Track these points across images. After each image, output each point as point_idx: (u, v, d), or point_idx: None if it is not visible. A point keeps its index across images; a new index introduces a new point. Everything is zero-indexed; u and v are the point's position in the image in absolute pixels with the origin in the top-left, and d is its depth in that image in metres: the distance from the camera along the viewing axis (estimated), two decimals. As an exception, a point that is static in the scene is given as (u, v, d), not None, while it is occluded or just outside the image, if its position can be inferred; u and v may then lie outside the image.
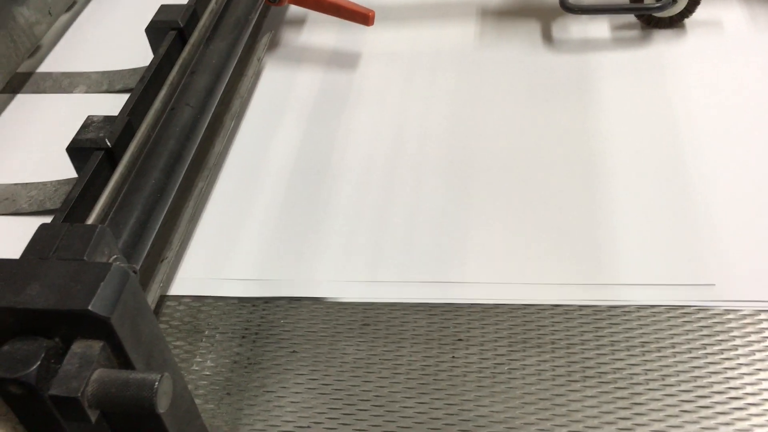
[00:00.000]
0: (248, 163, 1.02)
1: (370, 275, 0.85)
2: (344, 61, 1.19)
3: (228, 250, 0.90)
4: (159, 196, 0.71)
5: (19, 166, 1.07)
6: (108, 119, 0.90)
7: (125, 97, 1.17)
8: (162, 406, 0.52)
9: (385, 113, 1.08)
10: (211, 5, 1.08)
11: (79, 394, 0.51)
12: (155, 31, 1.06)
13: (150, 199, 0.71)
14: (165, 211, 0.71)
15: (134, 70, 1.21)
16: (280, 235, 0.91)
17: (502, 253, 0.86)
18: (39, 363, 0.52)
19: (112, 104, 1.16)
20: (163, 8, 1.07)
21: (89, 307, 0.53)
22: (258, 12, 1.01)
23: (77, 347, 0.54)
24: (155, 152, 0.76)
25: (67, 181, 1.01)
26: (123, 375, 0.53)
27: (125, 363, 0.56)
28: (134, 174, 0.76)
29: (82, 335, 0.55)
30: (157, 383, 0.52)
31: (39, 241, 0.59)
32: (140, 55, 1.19)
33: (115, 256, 0.61)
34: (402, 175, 0.98)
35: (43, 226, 0.60)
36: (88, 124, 0.90)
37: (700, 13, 1.14)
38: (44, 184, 1.02)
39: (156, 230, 0.70)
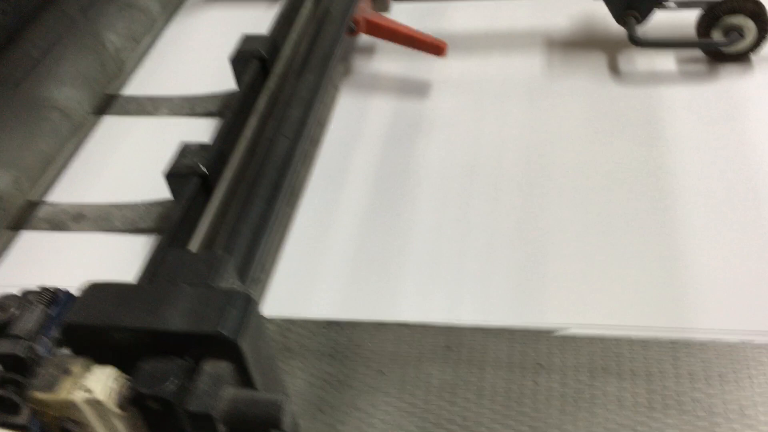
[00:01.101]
0: (328, 189, 1.06)
1: (451, 300, 0.89)
2: (415, 89, 1.24)
3: (314, 274, 0.94)
4: (263, 225, 0.76)
5: (110, 186, 1.13)
6: (203, 147, 0.95)
7: (206, 120, 1.24)
8: (286, 424, 0.57)
9: (457, 141, 1.12)
10: (293, 36, 1.13)
11: (214, 411, 0.55)
12: (239, 60, 1.11)
13: (255, 227, 0.75)
14: (268, 239, 0.76)
15: (214, 95, 1.26)
16: (362, 259, 0.95)
17: (578, 282, 0.89)
18: (176, 380, 0.57)
19: (195, 127, 1.22)
20: (247, 39, 1.13)
21: (220, 330, 0.58)
22: (341, 44, 1.06)
23: (207, 367, 0.58)
24: (257, 182, 0.80)
25: (157, 202, 1.06)
26: (250, 394, 0.58)
27: (247, 382, 0.61)
28: (238, 202, 0.81)
29: (210, 355, 0.59)
30: (283, 403, 0.56)
31: (167, 265, 0.64)
32: (217, 80, 1.25)
33: (234, 282, 0.66)
34: (478, 202, 1.01)
35: (169, 252, 0.65)
36: (184, 150, 0.95)
37: (767, 47, 1.16)
38: (135, 204, 1.07)
39: (261, 257, 0.75)
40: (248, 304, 0.61)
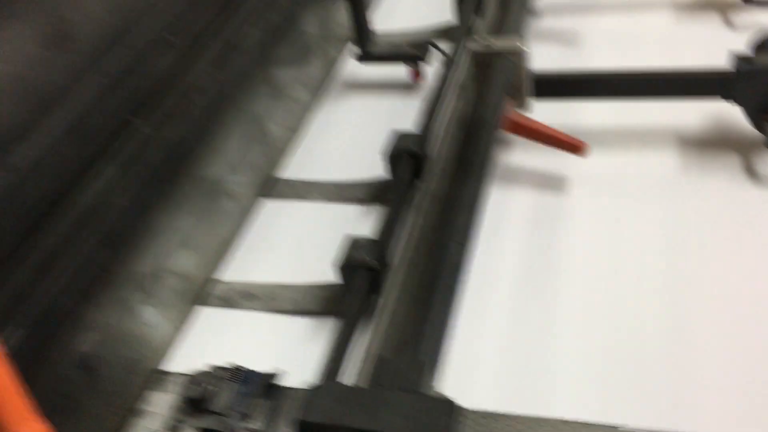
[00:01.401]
0: (479, 282, 1.14)
1: (604, 399, 0.94)
2: (552, 183, 1.31)
3: (473, 365, 1.01)
4: (443, 329, 0.84)
5: (273, 267, 1.24)
6: (372, 241, 1.05)
7: (353, 207, 1.34)
8: None
9: (598, 238, 1.18)
10: (441, 134, 1.23)
11: None
12: (394, 156, 1.21)
13: (437, 332, 0.84)
14: (448, 343, 0.84)
15: (361, 183, 1.37)
16: (517, 353, 1.02)
17: (735, 404, 0.92)
18: (397, 479, 0.65)
19: (343, 213, 1.33)
20: (401, 136, 1.23)
21: (434, 436, 0.66)
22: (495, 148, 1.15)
23: (420, 467, 0.67)
24: (435, 286, 0.89)
25: (318, 285, 1.16)
26: (460, 496, 0.65)
27: (450, 481, 0.68)
28: (412, 301, 0.90)
29: (421, 456, 0.67)
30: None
31: (380, 371, 0.73)
32: (361, 166, 1.37)
33: (431, 387, 0.74)
34: (623, 303, 1.07)
35: (381, 359, 0.74)
36: (355, 243, 1.06)
37: None
38: (299, 286, 1.18)
39: (443, 360, 0.83)
40: (453, 410, 0.69)
